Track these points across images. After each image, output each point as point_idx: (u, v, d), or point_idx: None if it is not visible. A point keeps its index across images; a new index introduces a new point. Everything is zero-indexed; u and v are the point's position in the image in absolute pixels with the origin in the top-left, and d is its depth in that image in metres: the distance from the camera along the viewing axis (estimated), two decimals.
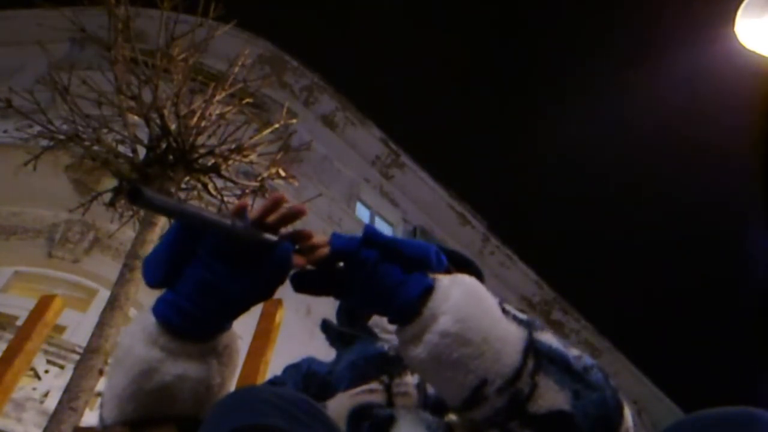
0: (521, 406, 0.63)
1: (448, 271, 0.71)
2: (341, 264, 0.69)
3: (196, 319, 0.69)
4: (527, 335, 0.67)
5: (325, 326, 1.03)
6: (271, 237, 0.68)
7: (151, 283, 0.70)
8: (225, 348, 0.74)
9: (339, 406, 0.79)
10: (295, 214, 0.70)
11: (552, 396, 0.64)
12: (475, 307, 0.66)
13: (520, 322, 0.68)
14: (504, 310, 0.69)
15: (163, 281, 0.70)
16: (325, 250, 0.69)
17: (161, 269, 0.70)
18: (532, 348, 0.66)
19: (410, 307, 0.66)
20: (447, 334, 0.64)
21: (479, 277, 0.95)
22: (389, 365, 0.87)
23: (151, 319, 0.70)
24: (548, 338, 0.68)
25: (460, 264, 1.02)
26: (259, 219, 0.68)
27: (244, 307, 0.71)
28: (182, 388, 0.70)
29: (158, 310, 0.70)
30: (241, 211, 0.66)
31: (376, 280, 0.67)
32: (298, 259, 0.69)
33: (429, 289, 0.67)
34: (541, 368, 0.64)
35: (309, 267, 0.70)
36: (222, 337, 0.74)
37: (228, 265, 0.67)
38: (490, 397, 0.63)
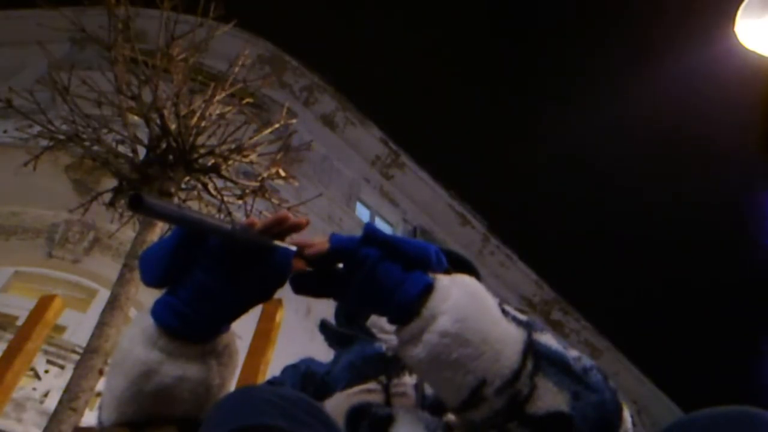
0: (520, 407, 0.63)
1: (447, 272, 0.71)
2: (340, 265, 0.69)
3: (195, 323, 0.69)
4: (527, 336, 0.67)
5: (324, 327, 1.03)
6: (270, 242, 0.68)
7: (149, 283, 0.71)
8: (224, 348, 0.75)
9: (337, 405, 0.79)
10: (296, 227, 0.70)
11: (551, 397, 0.63)
12: (474, 308, 0.66)
13: (519, 323, 0.68)
14: (504, 311, 0.69)
15: (161, 282, 0.70)
16: (325, 246, 0.69)
17: (160, 270, 0.70)
18: (532, 349, 0.66)
19: (410, 306, 0.66)
20: (446, 334, 0.64)
21: (477, 277, 0.95)
22: (387, 366, 0.87)
23: (150, 321, 0.70)
24: (548, 339, 0.68)
25: (458, 264, 1.02)
26: (262, 233, 0.69)
27: (243, 311, 0.72)
28: (182, 389, 0.70)
29: (157, 313, 0.70)
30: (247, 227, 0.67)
31: (376, 279, 0.67)
32: (297, 263, 0.70)
33: (429, 288, 0.67)
34: (540, 369, 0.64)
35: (308, 269, 0.70)
36: (221, 338, 0.74)
37: (228, 270, 0.68)
38: (488, 398, 0.63)
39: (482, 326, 0.65)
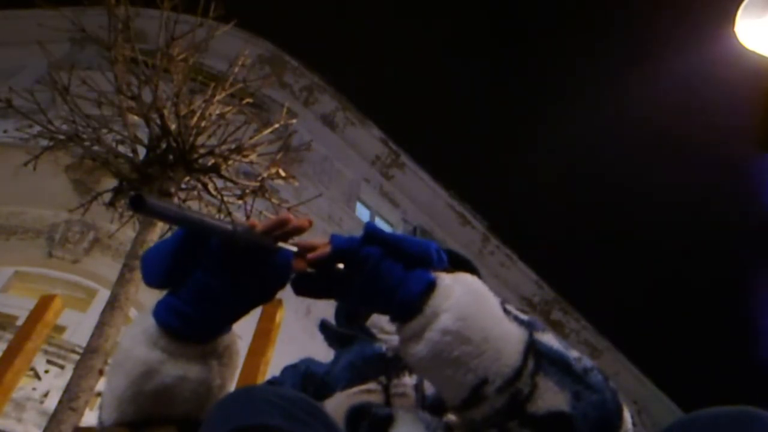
0: (521, 406, 0.63)
1: (448, 271, 0.71)
2: (341, 265, 0.69)
3: (196, 323, 0.70)
4: (528, 336, 0.67)
5: (324, 327, 1.03)
6: (271, 243, 0.68)
7: (150, 283, 0.71)
8: (225, 349, 0.75)
9: (337, 405, 0.79)
10: (299, 229, 0.70)
11: (552, 397, 0.64)
12: (476, 306, 0.66)
13: (521, 322, 0.69)
14: (505, 310, 0.69)
15: (162, 282, 0.70)
16: (326, 249, 0.69)
17: (161, 270, 0.70)
18: (533, 348, 0.66)
19: (412, 303, 0.66)
20: (448, 331, 0.64)
21: (477, 276, 0.95)
22: (387, 366, 0.87)
23: (152, 321, 0.71)
24: (549, 339, 0.69)
25: (457, 263, 1.02)
26: (263, 235, 0.69)
27: (244, 311, 0.72)
28: (183, 389, 0.70)
29: (159, 314, 0.70)
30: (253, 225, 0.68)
31: (378, 277, 0.67)
32: (298, 263, 0.70)
33: (431, 286, 0.67)
34: (541, 369, 0.64)
35: (309, 270, 0.70)
36: (222, 338, 0.74)
37: (230, 271, 0.68)
38: (489, 397, 0.63)
39: (484, 324, 0.65)
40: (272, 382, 0.97)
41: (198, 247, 0.69)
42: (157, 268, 0.70)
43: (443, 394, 0.69)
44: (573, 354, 0.69)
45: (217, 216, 3.76)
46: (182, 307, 0.69)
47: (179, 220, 0.58)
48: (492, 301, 0.68)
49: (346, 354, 0.94)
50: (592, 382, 0.67)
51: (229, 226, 0.63)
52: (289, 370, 0.98)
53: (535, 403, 0.63)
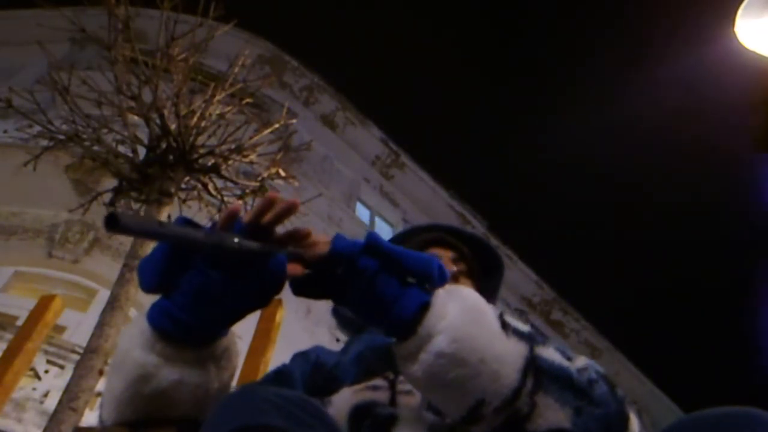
0: (520, 425, 0.63)
1: (467, 263, 0.70)
2: (340, 269, 0.68)
3: (192, 328, 0.68)
4: (528, 352, 0.65)
5: (336, 311, 1.02)
6: (263, 247, 0.65)
7: (147, 289, 0.70)
8: (224, 352, 0.73)
9: (342, 402, 0.79)
10: (289, 210, 0.67)
11: (552, 415, 0.63)
12: (472, 326, 0.64)
13: (521, 336, 0.67)
14: (504, 324, 0.67)
15: (159, 287, 0.69)
16: (325, 247, 0.68)
17: (157, 275, 0.68)
18: (533, 366, 0.64)
19: (405, 324, 0.65)
20: (442, 354, 0.62)
21: (499, 266, 1.04)
22: (395, 360, 0.87)
23: (148, 323, 0.70)
24: (550, 354, 0.67)
25: (481, 250, 1.05)
26: (254, 220, 0.67)
27: (240, 316, 0.70)
28: (180, 392, 0.69)
29: (153, 318, 0.69)
30: (232, 216, 0.65)
31: (372, 292, 0.66)
32: (295, 267, 0.68)
33: (425, 306, 0.65)
34: (541, 387, 0.63)
35: (307, 271, 0.69)
36: (220, 341, 0.73)
37: (224, 275, 0.66)
38: (487, 417, 0.62)
39: (480, 345, 0.63)
40: (281, 370, 0.95)
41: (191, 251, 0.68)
42: (151, 273, 0.69)
43: (442, 410, 0.68)
44: (578, 364, 0.68)
45: (217, 216, 3.76)
46: (176, 312, 0.67)
47: (158, 236, 0.55)
48: (489, 318, 0.67)
49: (356, 343, 0.93)
50: (596, 395, 0.66)
51: (216, 237, 0.61)
52: (299, 357, 0.96)
53: (534, 421, 0.62)
